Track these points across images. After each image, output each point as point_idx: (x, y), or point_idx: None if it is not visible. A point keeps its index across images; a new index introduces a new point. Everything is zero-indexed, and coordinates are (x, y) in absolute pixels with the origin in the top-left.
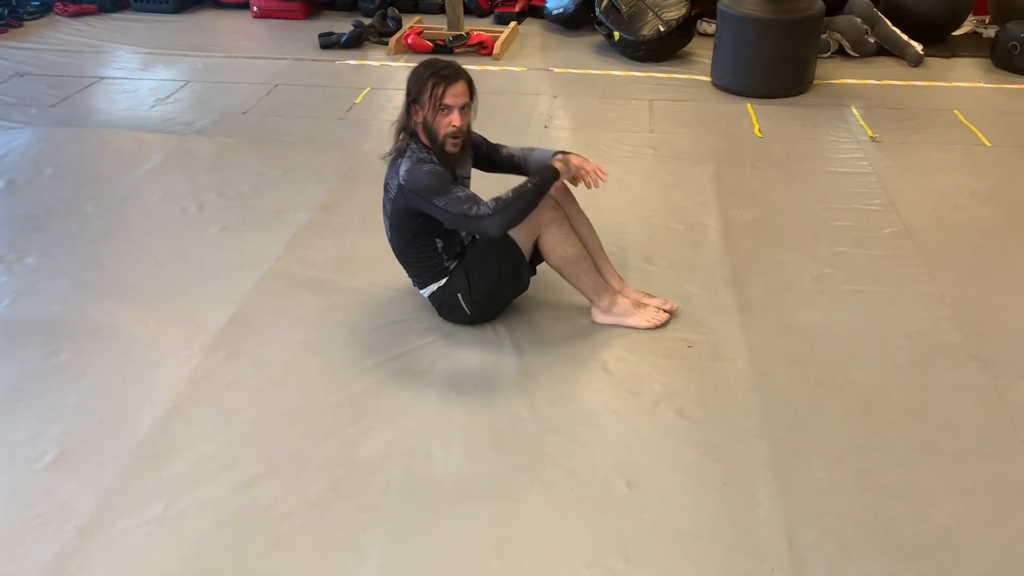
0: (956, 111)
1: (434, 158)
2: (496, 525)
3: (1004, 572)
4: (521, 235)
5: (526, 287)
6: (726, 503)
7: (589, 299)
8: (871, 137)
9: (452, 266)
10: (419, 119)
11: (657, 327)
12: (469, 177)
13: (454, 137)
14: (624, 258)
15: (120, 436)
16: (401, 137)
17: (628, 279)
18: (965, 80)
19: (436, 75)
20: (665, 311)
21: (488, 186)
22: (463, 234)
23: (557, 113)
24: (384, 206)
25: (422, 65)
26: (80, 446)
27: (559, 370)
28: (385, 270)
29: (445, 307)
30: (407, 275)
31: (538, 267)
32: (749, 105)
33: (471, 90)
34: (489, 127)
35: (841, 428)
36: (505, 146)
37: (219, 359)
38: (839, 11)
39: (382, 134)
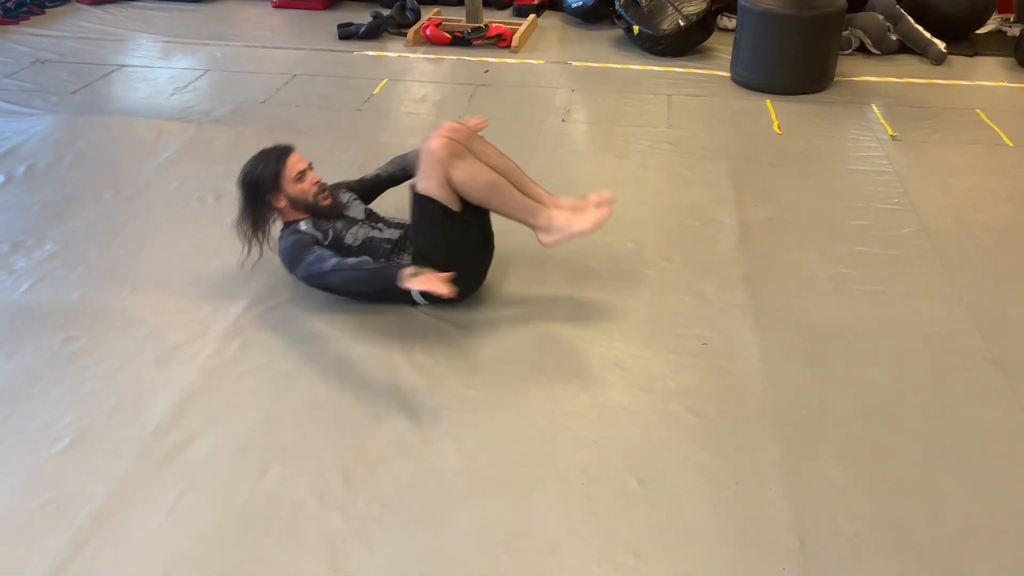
0: (978, 110)
1: (301, 227)
2: (506, 520)
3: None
4: (432, 186)
5: (478, 230)
6: (738, 502)
7: (526, 223)
8: (891, 135)
9: (406, 260)
10: (282, 204)
11: (602, 223)
12: (365, 210)
13: (322, 191)
14: (639, 254)
15: (134, 424)
16: (259, 236)
17: (642, 276)
18: (988, 79)
19: (273, 159)
20: (603, 204)
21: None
22: (377, 236)
23: (575, 107)
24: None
25: (251, 162)
26: (94, 433)
27: (571, 366)
28: None
29: (433, 296)
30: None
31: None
32: (768, 101)
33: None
34: (506, 120)
35: (855, 429)
36: (373, 173)
37: (233, 348)
38: (861, 8)
39: (400, 126)
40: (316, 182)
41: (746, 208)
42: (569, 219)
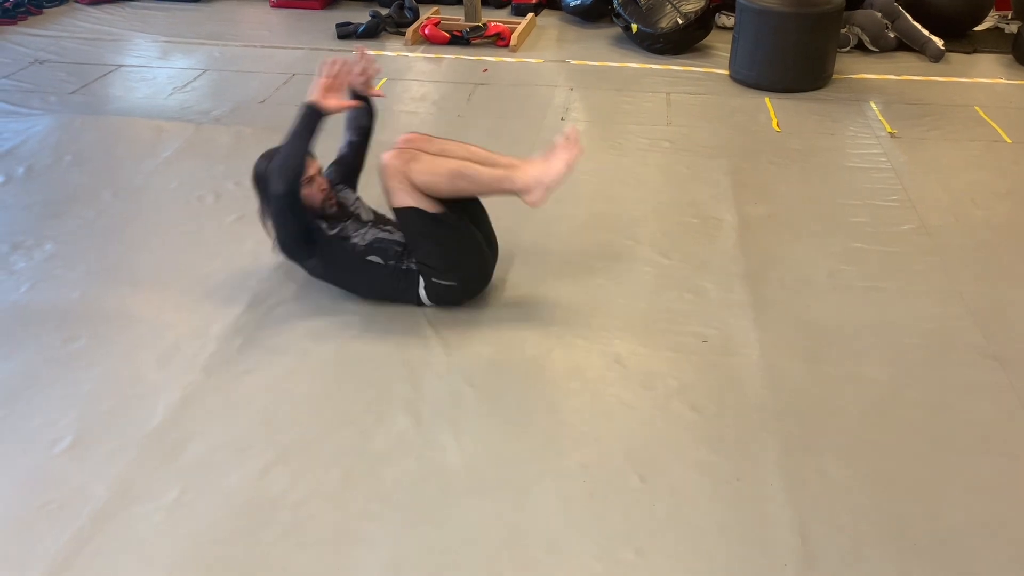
0: (976, 107)
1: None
2: (507, 516)
3: (1017, 571)
4: (403, 197)
5: (473, 229)
6: (738, 498)
7: (506, 192)
8: (890, 132)
9: (412, 266)
10: None
11: (573, 161)
12: (357, 199)
13: (329, 199)
14: (638, 251)
15: (134, 423)
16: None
17: (641, 272)
18: (986, 76)
19: None
20: (570, 142)
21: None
22: (386, 238)
23: (574, 105)
24: (327, 277)
25: (263, 159)
26: (95, 432)
27: (571, 363)
28: None
29: (439, 298)
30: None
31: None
32: (767, 99)
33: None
34: (505, 119)
35: (855, 425)
36: (342, 146)
37: (233, 348)
38: (859, 5)
39: (399, 124)
40: (324, 189)
41: (745, 205)
42: (543, 168)
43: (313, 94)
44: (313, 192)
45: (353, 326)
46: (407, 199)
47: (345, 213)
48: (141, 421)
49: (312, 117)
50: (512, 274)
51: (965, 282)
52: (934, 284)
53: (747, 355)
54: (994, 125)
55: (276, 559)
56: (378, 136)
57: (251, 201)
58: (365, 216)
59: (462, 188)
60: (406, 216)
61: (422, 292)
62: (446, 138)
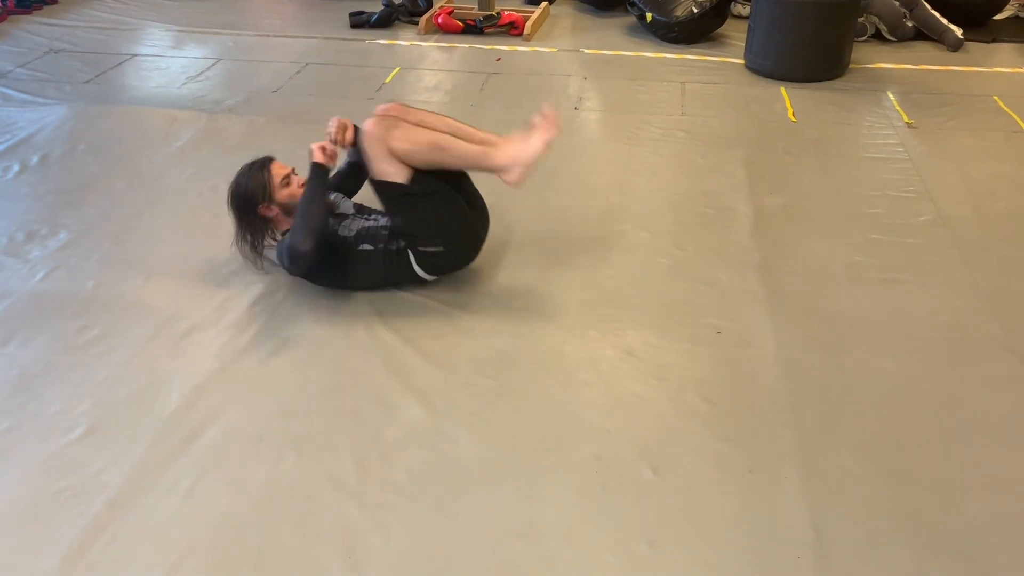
0: (996, 97)
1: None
2: (520, 508)
3: None
4: (382, 166)
5: (453, 193)
6: (752, 490)
7: (485, 169)
8: (907, 123)
9: (400, 244)
10: (274, 212)
11: (551, 140)
12: (354, 205)
13: None
14: (653, 242)
15: (149, 411)
16: (259, 250)
17: (655, 263)
18: (1006, 66)
19: (257, 170)
20: (547, 122)
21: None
22: (372, 225)
23: (588, 94)
24: (328, 280)
25: (236, 179)
26: (110, 420)
27: (585, 354)
28: None
29: (432, 267)
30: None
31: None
32: (783, 89)
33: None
34: (519, 109)
35: (870, 417)
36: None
37: (248, 336)
38: None
39: None
40: (302, 184)
41: (760, 196)
42: (521, 147)
43: (315, 155)
44: (293, 191)
45: (366, 316)
46: (386, 167)
47: (328, 207)
48: (155, 409)
49: (320, 175)
50: (525, 265)
51: (983, 274)
52: (951, 276)
53: (762, 347)
54: (1013, 115)
55: (290, 548)
56: None
57: None
58: (345, 210)
59: (440, 160)
60: (383, 189)
61: (416, 266)
62: (425, 110)
